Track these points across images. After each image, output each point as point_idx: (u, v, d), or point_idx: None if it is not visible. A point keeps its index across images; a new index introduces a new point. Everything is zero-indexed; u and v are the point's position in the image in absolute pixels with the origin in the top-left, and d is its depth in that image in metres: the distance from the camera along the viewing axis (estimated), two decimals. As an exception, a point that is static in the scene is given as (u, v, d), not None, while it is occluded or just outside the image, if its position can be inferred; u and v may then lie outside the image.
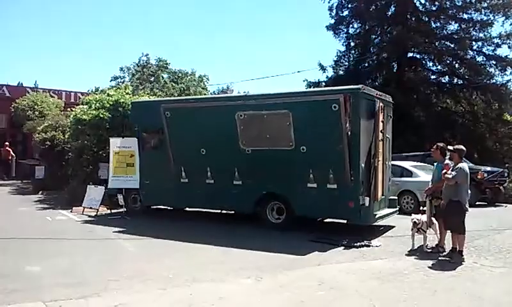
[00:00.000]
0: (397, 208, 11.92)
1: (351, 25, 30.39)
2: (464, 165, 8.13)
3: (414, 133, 26.44)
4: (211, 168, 11.54)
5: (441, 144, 9.15)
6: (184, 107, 11.78)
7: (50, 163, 20.24)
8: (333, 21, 30.17)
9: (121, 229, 11.07)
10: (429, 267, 7.75)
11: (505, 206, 16.10)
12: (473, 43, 26.83)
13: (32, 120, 24.59)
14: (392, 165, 12.97)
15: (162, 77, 33.15)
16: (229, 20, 65.17)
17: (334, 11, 30.17)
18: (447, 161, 8.83)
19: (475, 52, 26.98)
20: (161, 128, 11.93)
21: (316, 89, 10.77)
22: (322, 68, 29.04)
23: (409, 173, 14.73)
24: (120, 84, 28.05)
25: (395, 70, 28.86)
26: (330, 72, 29.28)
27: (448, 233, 8.65)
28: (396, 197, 12.50)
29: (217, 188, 11.58)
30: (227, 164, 11.30)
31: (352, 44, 30.45)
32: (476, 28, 26.95)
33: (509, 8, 25.69)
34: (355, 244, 9.35)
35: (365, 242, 9.55)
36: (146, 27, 64.25)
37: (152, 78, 32.55)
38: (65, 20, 60.92)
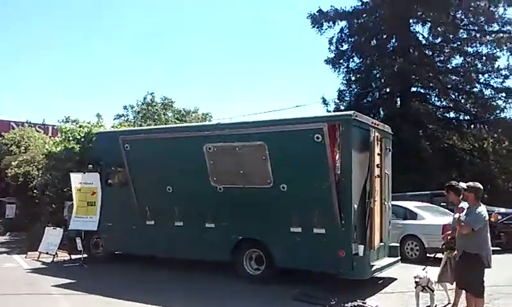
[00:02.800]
0: (399, 258, 10.10)
1: (351, 60, 29.28)
2: (483, 209, 6.39)
3: (419, 171, 24.81)
4: (179, 208, 9.88)
5: (454, 183, 7.39)
6: (145, 138, 10.17)
7: (24, 201, 18.64)
8: (332, 55, 29.11)
9: (69, 282, 9.32)
10: (439, 343, 5.96)
11: (524, 253, 14.19)
12: (480, 76, 25.47)
13: (15, 155, 23.14)
14: (393, 205, 11.25)
15: (165, 114, 32.46)
16: (228, 51, 64.32)
17: (334, 45, 29.15)
18: (461, 204, 7.17)
19: (482, 85, 25.64)
20: (123, 163, 10.34)
21: (296, 117, 8.97)
22: (325, 103, 27.86)
23: (414, 215, 12.95)
24: (124, 122, 27.26)
25: (398, 105, 27.43)
26: (332, 107, 27.99)
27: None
28: (398, 244, 10.68)
29: (187, 232, 9.89)
30: (197, 203, 9.65)
31: (353, 78, 29.25)
32: (482, 61, 25.66)
33: (514, 42, 24.47)
34: (346, 305, 7.55)
35: (358, 301, 7.73)
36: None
37: (156, 116, 31.79)
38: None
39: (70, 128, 14.45)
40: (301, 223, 8.67)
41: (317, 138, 8.02)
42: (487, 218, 6.36)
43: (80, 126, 14.35)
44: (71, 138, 13.92)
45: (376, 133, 8.86)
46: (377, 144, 8.92)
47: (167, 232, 10.11)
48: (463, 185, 6.73)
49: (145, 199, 10.26)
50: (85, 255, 11.49)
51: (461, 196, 7.06)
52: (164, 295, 8.18)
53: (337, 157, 8.49)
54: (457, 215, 6.61)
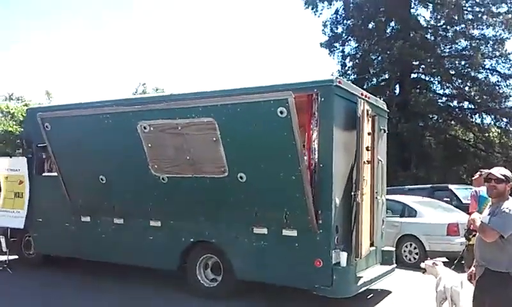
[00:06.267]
0: (395, 266, 8.10)
1: (347, 44, 27.29)
2: None
3: (419, 166, 22.95)
4: (117, 203, 7.87)
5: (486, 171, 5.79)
6: (68, 116, 7.97)
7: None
8: (327, 38, 27.14)
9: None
10: None
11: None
12: (486, 61, 23.44)
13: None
14: (388, 200, 9.26)
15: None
16: (216, 36, 61.68)
17: (328, 27, 27.19)
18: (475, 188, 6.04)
19: (488, 71, 23.66)
20: (46, 146, 8.31)
21: (255, 85, 6.79)
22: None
23: (413, 212, 10.94)
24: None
25: (397, 93, 25.41)
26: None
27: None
28: (393, 249, 8.68)
29: (128, 231, 7.91)
30: (138, 197, 7.62)
31: (349, 64, 27.25)
32: (488, 45, 23.65)
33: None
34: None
35: (338, 328, 5.77)
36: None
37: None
38: None
39: (13, 107, 12.32)
40: (267, 223, 6.67)
41: (281, 112, 5.89)
42: None
43: (25, 105, 12.25)
44: (14, 118, 11.83)
45: (366, 107, 6.84)
46: (368, 121, 6.90)
47: (105, 231, 8.14)
48: (486, 171, 4.65)
49: (77, 191, 8.22)
50: (13, 257, 9.46)
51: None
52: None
53: (314, 136, 6.50)
54: (476, 216, 4.55)
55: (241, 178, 6.47)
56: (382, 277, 7.52)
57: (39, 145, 8.93)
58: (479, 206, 6.32)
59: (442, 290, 5.72)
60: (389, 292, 7.84)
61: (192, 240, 7.35)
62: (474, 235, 6.23)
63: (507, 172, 4.33)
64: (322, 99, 6.40)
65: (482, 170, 6.87)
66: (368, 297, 7.37)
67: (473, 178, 7.05)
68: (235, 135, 6.36)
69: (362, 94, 7.15)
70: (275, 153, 6.16)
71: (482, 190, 6.39)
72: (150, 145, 7.00)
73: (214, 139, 6.41)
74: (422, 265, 6.25)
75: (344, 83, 6.74)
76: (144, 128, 6.89)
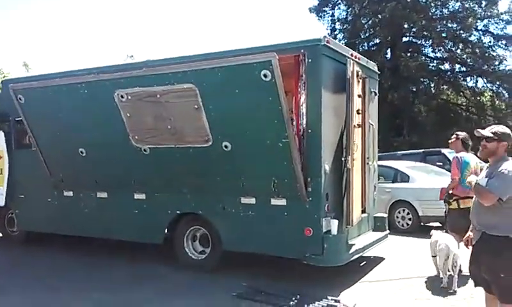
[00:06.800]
0: (387, 232, 7.92)
1: (336, 8, 26.73)
2: None
3: (413, 131, 22.78)
4: (99, 176, 7.56)
5: (462, 134, 6.56)
6: (41, 87, 7.48)
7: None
8: (316, 2, 26.55)
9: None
10: None
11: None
12: (479, 22, 23.01)
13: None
14: (380, 166, 9.04)
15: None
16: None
17: (318, -9, 26.55)
18: (455, 154, 6.42)
19: (480, 33, 23.26)
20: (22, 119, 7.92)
21: (236, 48, 6.40)
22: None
23: (406, 177, 10.73)
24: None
25: (388, 57, 25.04)
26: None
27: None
28: (386, 215, 8.48)
29: (112, 205, 7.64)
30: (120, 170, 7.29)
31: (338, 28, 26.77)
32: (481, 6, 23.19)
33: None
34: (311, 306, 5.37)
35: (329, 299, 5.56)
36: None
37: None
38: None
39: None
40: (255, 192, 6.41)
41: (265, 76, 5.52)
42: None
43: (4, 77, 11.76)
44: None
45: (356, 68, 6.50)
46: (358, 82, 6.59)
47: (89, 205, 7.87)
48: (482, 131, 4.37)
49: (57, 165, 7.88)
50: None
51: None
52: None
53: (302, 100, 6.18)
54: (472, 177, 4.30)
55: (226, 147, 6.15)
56: (375, 244, 7.33)
57: (16, 119, 8.53)
58: (462, 173, 6.14)
59: (444, 249, 5.83)
60: (382, 259, 7.69)
61: (178, 212, 7.09)
62: (455, 200, 6.22)
63: (498, 129, 4.03)
64: (310, 60, 6.05)
65: (458, 133, 6.66)
66: (361, 264, 7.20)
67: (449, 142, 6.79)
68: (217, 101, 6.00)
69: (352, 54, 6.81)
70: (260, 120, 5.83)
71: (464, 156, 6.26)
72: (128, 115, 6.63)
73: (196, 106, 6.04)
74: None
75: (332, 43, 6.38)
76: (122, 97, 6.50)
